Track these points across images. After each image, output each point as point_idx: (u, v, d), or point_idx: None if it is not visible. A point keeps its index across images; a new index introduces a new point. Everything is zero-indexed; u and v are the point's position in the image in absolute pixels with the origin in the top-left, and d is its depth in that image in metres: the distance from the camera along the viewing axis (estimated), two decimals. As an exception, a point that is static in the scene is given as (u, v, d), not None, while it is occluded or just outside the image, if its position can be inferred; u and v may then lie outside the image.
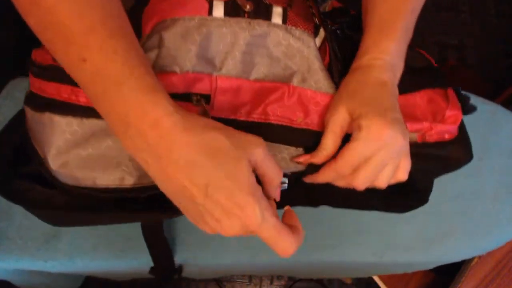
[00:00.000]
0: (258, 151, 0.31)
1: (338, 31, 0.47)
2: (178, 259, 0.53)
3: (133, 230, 0.53)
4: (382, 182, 0.38)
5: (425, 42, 1.36)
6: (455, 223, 0.57)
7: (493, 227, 0.57)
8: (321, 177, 0.40)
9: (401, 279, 0.95)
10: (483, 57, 1.37)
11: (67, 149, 0.36)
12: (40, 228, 0.52)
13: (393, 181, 0.39)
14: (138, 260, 0.52)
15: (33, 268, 0.53)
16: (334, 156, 0.39)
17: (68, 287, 0.78)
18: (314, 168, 0.40)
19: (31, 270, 0.55)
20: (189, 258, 0.53)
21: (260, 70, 0.40)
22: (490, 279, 0.77)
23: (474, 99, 0.64)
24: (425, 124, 0.43)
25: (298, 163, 0.40)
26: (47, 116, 0.36)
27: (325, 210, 0.56)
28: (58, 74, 0.35)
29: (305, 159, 0.40)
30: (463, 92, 0.48)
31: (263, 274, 1.09)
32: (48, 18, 0.30)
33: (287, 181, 0.41)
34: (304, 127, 0.41)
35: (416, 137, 0.44)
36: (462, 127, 0.46)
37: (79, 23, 0.29)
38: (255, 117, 0.41)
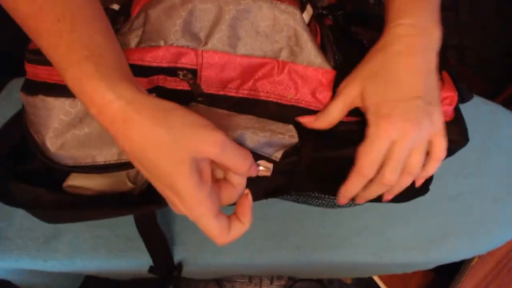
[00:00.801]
0: (211, 150, 0.29)
1: (331, 18, 0.46)
2: (178, 259, 0.53)
3: (133, 230, 0.53)
4: (413, 168, 0.38)
5: (425, 42, 1.36)
6: (455, 223, 0.57)
7: (493, 227, 0.57)
8: (350, 186, 0.40)
9: (401, 279, 0.95)
10: (483, 57, 1.37)
11: (64, 130, 0.37)
12: (40, 228, 0.52)
13: (433, 163, 0.39)
14: (138, 260, 0.52)
15: (33, 267, 0.53)
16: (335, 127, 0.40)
17: (68, 286, 0.78)
18: (306, 139, 0.40)
19: (31, 270, 0.55)
20: (189, 258, 0.53)
21: (247, 45, 0.40)
22: (490, 279, 0.77)
23: (474, 99, 0.64)
24: None
25: (302, 123, 0.41)
26: (40, 99, 0.37)
27: (326, 211, 0.56)
28: None
29: (308, 120, 0.41)
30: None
31: (263, 274, 1.09)
32: (6, 2, 0.31)
33: (271, 167, 0.40)
34: (295, 104, 0.42)
35: None
36: (457, 110, 0.46)
37: (30, 7, 0.30)
38: (245, 92, 0.41)
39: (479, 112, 0.62)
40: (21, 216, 0.52)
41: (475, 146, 0.59)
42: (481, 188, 0.59)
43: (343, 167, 0.40)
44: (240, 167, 0.31)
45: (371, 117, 0.37)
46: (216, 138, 0.29)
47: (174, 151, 0.28)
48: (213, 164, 0.32)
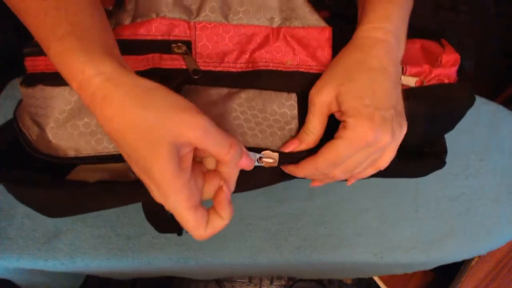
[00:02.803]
0: (192, 134, 0.27)
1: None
2: (178, 259, 0.53)
3: (133, 230, 0.53)
4: (359, 174, 0.39)
5: (425, 42, 1.36)
6: (455, 224, 0.57)
7: (494, 227, 0.57)
8: (301, 172, 0.39)
9: (401, 279, 0.96)
10: (483, 57, 1.37)
11: (64, 121, 0.37)
12: (41, 228, 0.52)
13: (372, 170, 0.39)
14: (138, 260, 0.52)
15: (34, 267, 0.53)
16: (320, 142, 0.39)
17: (68, 286, 0.78)
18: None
19: (32, 269, 0.55)
20: (189, 258, 0.53)
21: (239, 13, 0.40)
22: (490, 279, 0.77)
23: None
24: (425, 67, 0.42)
25: (288, 152, 0.39)
26: (39, 88, 0.37)
27: (326, 212, 0.56)
28: None
29: (294, 146, 0.39)
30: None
31: (263, 274, 1.09)
32: None
33: (276, 158, 0.39)
34: (295, 69, 0.41)
35: (414, 83, 0.42)
36: (461, 71, 0.45)
37: None
38: (243, 66, 0.40)
39: (479, 112, 0.62)
40: (22, 216, 0.53)
41: (476, 146, 0.59)
42: (482, 188, 0.59)
43: None
44: (225, 154, 0.29)
45: (349, 120, 0.35)
46: (198, 121, 0.28)
47: (152, 133, 0.27)
48: (202, 153, 0.32)
